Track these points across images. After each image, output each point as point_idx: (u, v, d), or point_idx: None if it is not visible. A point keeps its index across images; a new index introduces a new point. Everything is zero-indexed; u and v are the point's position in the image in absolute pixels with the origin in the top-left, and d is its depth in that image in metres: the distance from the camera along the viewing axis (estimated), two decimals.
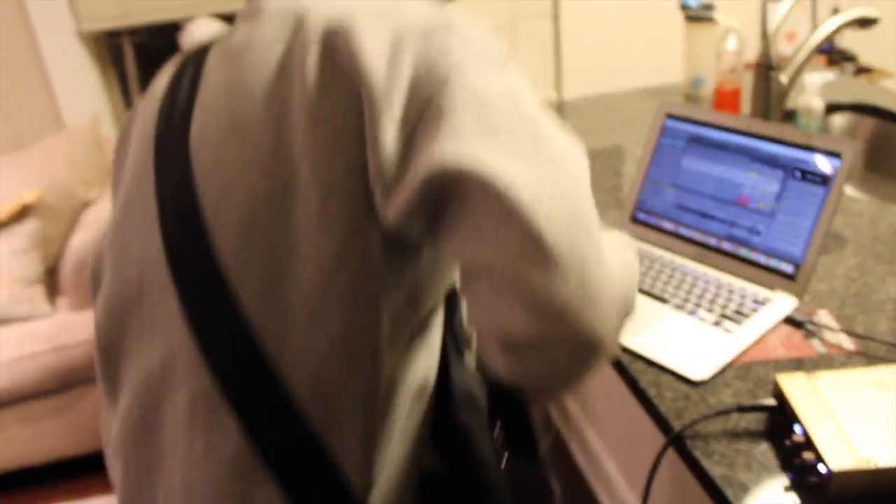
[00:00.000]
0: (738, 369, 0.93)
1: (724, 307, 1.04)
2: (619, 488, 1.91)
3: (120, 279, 0.71)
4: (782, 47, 2.75)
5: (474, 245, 0.60)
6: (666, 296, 1.07)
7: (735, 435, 0.83)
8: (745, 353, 0.96)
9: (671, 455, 0.86)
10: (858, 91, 1.86)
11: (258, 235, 0.64)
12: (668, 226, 1.21)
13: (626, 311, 0.64)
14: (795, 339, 0.97)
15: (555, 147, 0.62)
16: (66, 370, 2.13)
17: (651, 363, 0.96)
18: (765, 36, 1.55)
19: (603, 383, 1.89)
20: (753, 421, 0.85)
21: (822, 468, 0.73)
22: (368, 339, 0.65)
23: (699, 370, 0.92)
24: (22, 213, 2.25)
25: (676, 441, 0.84)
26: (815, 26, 2.26)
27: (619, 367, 0.97)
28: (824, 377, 0.83)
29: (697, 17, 1.81)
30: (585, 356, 0.60)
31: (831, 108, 1.77)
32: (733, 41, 1.66)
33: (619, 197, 1.43)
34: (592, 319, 0.58)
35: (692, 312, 1.03)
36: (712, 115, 1.18)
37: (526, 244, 0.57)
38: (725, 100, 1.70)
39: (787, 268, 1.05)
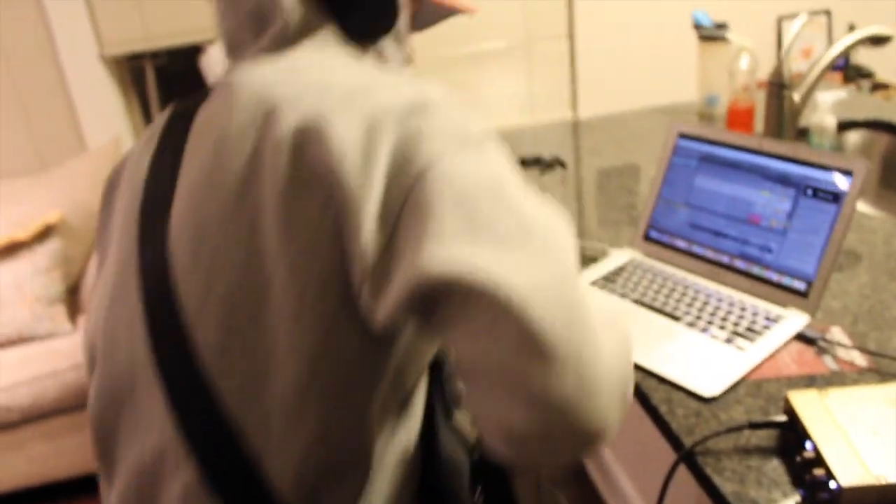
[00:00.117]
0: (749, 386, 0.93)
1: (736, 324, 1.04)
2: None
3: (111, 375, 0.73)
4: (799, 64, 2.76)
5: (470, 344, 0.59)
6: (678, 313, 1.08)
7: (746, 451, 0.83)
8: (756, 369, 0.96)
9: (683, 471, 0.86)
10: (874, 108, 1.86)
11: (237, 338, 0.65)
12: (681, 244, 1.21)
13: (625, 394, 0.62)
14: (807, 355, 0.98)
15: (540, 230, 0.61)
16: (86, 387, 2.14)
17: (663, 380, 0.96)
18: (779, 54, 1.55)
19: None
20: (765, 438, 0.85)
21: (832, 484, 0.73)
22: (353, 430, 0.67)
23: (711, 387, 0.93)
24: (45, 233, 2.29)
25: (688, 457, 0.84)
26: (830, 43, 2.27)
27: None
28: (835, 394, 0.84)
29: (710, 36, 1.83)
30: (586, 445, 0.59)
31: (845, 126, 1.77)
32: (746, 60, 1.67)
33: (634, 215, 1.44)
34: (593, 412, 0.57)
35: (704, 330, 1.04)
36: (724, 134, 1.19)
37: (522, 342, 0.56)
38: (739, 118, 1.70)
39: (800, 285, 1.06)
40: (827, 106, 1.55)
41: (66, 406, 2.16)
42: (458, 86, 2.82)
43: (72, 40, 2.49)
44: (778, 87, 1.55)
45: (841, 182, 1.04)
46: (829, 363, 0.96)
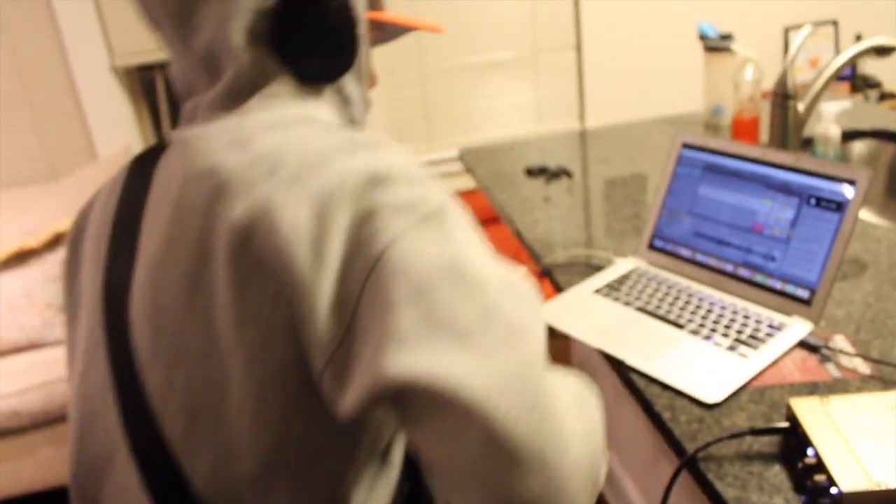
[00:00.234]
0: (752, 393, 0.94)
1: (739, 332, 1.05)
2: None
3: (90, 448, 0.74)
4: (805, 75, 2.77)
5: (435, 445, 0.57)
6: (682, 321, 1.09)
7: (748, 457, 0.84)
8: (759, 376, 0.97)
9: (686, 477, 0.87)
10: (880, 117, 1.87)
11: (202, 426, 0.65)
12: (685, 253, 1.22)
13: (595, 481, 0.60)
14: (811, 363, 0.98)
15: (502, 312, 0.59)
16: None
17: (666, 387, 0.97)
18: (784, 64, 1.56)
19: (623, 408, 1.90)
20: (767, 444, 0.86)
21: (833, 490, 0.74)
22: (329, 493, 0.67)
23: (713, 393, 0.93)
24: (55, 241, 2.32)
25: (690, 463, 0.85)
26: (837, 54, 2.28)
27: (636, 390, 0.99)
28: (837, 401, 0.84)
29: (716, 47, 1.84)
30: None
31: (850, 136, 1.78)
32: (751, 71, 1.68)
33: (639, 225, 1.45)
34: None
35: (708, 337, 1.05)
36: (727, 144, 1.20)
37: (485, 446, 0.55)
38: (744, 128, 1.71)
39: (803, 293, 1.06)
40: (831, 116, 1.56)
41: None
42: (466, 96, 2.84)
43: (83, 51, 2.52)
44: (782, 97, 1.56)
45: (844, 191, 1.05)
46: (832, 371, 0.96)
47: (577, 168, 1.80)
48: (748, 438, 0.87)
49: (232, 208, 0.62)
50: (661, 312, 1.12)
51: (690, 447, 0.86)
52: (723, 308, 1.11)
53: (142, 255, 0.70)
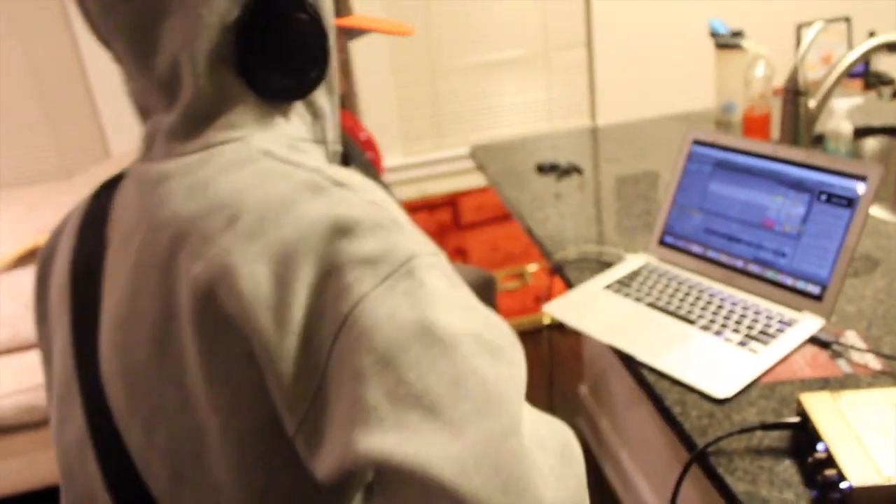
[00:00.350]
0: (763, 388, 0.94)
1: (750, 328, 1.05)
2: None
3: (76, 498, 0.73)
4: (818, 72, 2.76)
5: None
6: (692, 317, 1.09)
7: (758, 452, 0.84)
8: (770, 372, 0.97)
9: (697, 471, 0.87)
10: (893, 114, 1.86)
11: (184, 482, 0.64)
12: (696, 249, 1.22)
13: None
14: (822, 359, 0.98)
15: (478, 378, 0.55)
16: None
17: (677, 382, 0.97)
18: (795, 61, 1.56)
19: (634, 403, 1.90)
20: (777, 438, 0.86)
21: (844, 485, 0.74)
22: None
23: (724, 388, 0.94)
24: None
25: (701, 457, 0.85)
26: (850, 50, 2.27)
27: (646, 386, 0.99)
28: (848, 396, 0.84)
29: (727, 44, 1.84)
30: None
31: (862, 132, 1.77)
32: (762, 68, 1.68)
33: (650, 221, 1.45)
34: None
35: (718, 333, 1.05)
36: (737, 141, 1.20)
37: None
38: (755, 125, 1.71)
39: (814, 289, 1.07)
40: (843, 112, 1.56)
41: None
42: (476, 94, 2.84)
43: (96, 49, 2.54)
44: (793, 93, 1.56)
45: (855, 187, 1.05)
46: (843, 366, 0.96)
47: (587, 165, 1.81)
48: (758, 433, 0.87)
49: (192, 262, 0.60)
50: (672, 308, 1.12)
51: (701, 442, 0.87)
52: (733, 304, 1.11)
53: (107, 307, 0.68)
